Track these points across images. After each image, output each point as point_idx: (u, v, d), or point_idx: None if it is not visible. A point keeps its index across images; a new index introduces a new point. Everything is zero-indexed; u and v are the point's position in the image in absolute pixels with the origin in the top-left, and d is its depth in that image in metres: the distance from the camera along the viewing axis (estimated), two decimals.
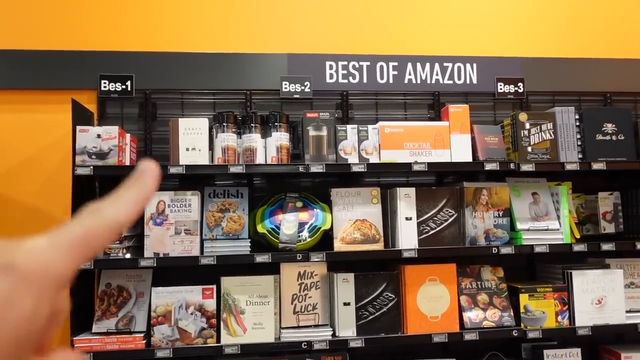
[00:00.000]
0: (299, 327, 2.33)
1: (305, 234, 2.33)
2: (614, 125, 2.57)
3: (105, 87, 2.59)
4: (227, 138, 2.36)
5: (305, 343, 2.28)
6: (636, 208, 2.67)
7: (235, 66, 2.70)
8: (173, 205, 2.29)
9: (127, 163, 2.35)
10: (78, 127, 2.26)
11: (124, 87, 2.60)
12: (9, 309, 0.30)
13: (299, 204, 2.39)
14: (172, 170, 2.25)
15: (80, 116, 2.39)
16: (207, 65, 2.68)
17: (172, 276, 2.47)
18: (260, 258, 2.27)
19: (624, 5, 3.03)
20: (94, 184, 2.51)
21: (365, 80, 2.76)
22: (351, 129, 2.42)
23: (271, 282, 2.33)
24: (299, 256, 2.29)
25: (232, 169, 2.28)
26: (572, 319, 2.47)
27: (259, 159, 2.36)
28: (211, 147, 2.38)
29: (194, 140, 2.34)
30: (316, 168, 2.32)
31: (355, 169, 2.35)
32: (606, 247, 2.48)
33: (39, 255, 0.32)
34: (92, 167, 2.22)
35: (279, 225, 2.32)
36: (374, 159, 2.42)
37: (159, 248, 2.24)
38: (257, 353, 2.31)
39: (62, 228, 0.34)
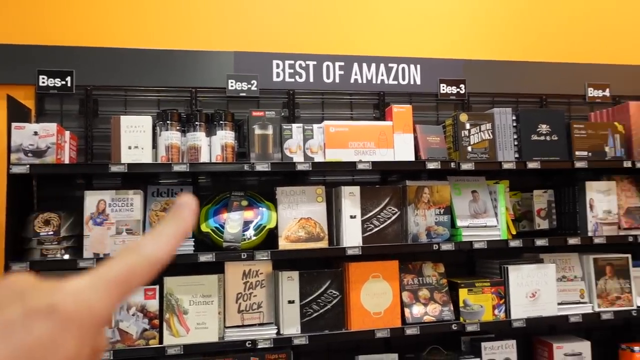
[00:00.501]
0: (243, 326, 2.34)
1: (250, 232, 2.34)
2: (548, 126, 2.69)
3: (43, 82, 2.51)
4: (171, 136, 2.34)
5: (250, 342, 2.29)
6: (568, 205, 2.80)
7: (181, 63, 2.67)
8: (114, 205, 2.24)
9: (66, 161, 2.29)
10: (13, 124, 2.19)
11: (63, 82, 2.53)
12: (52, 352, 0.30)
13: (244, 203, 2.39)
14: (114, 168, 2.21)
15: (17, 113, 2.31)
16: (151, 62, 2.64)
17: None
18: (204, 257, 2.26)
19: (560, 11, 3.16)
20: (31, 183, 2.43)
21: (311, 80, 2.78)
22: (296, 128, 2.43)
23: (215, 281, 2.32)
24: (244, 255, 2.29)
25: (176, 168, 2.26)
26: (508, 312, 2.57)
27: (204, 158, 2.35)
28: (155, 145, 2.35)
29: (136, 138, 2.30)
30: (261, 167, 2.33)
31: (300, 167, 2.37)
32: (540, 242, 2.60)
33: (80, 296, 0.32)
34: (28, 165, 2.15)
35: (224, 224, 2.31)
36: (319, 158, 2.45)
37: (99, 248, 2.20)
38: (201, 353, 2.31)
39: (102, 267, 0.34)
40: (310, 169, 2.37)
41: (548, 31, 3.14)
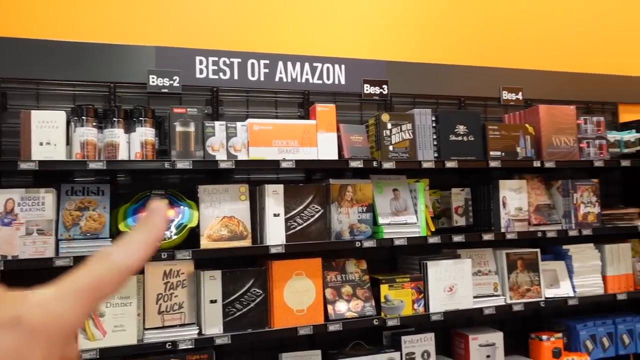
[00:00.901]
0: (164, 327, 2.29)
1: (170, 232, 2.29)
2: (465, 127, 2.80)
3: None
4: (86, 132, 2.25)
5: (170, 343, 2.24)
6: (484, 203, 2.94)
7: (99, 57, 2.57)
8: (24, 204, 2.13)
9: None
10: None
11: None
12: None
13: (165, 202, 2.33)
14: (23, 166, 2.10)
15: None
16: (66, 55, 2.53)
17: (23, 280, 2.30)
18: None
19: (477, 16, 3.30)
20: None
21: (236, 77, 2.76)
22: (219, 126, 2.41)
23: (134, 282, 2.26)
24: (164, 255, 2.24)
25: (92, 165, 2.18)
26: (427, 306, 2.66)
27: (122, 155, 2.27)
28: (69, 142, 2.25)
29: (48, 134, 2.19)
30: (183, 165, 2.28)
31: (223, 165, 2.35)
32: (457, 238, 2.70)
33: (47, 307, 0.31)
34: None
35: None
36: (242, 156, 2.43)
37: (7, 250, 2.08)
38: (119, 356, 2.24)
39: (70, 276, 0.33)
40: (234, 167, 2.36)
41: (466, 35, 3.27)
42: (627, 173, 3.45)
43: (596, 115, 3.15)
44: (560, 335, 2.96)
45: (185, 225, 2.31)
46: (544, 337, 2.92)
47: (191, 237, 2.39)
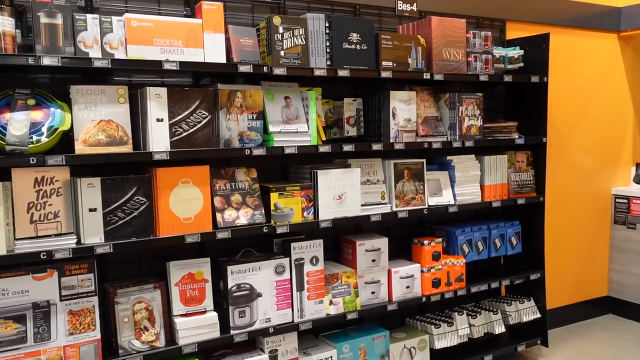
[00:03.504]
0: (38, 237, 2.14)
1: (39, 135, 2.09)
2: (358, 36, 2.76)
3: None
4: None
5: (45, 253, 2.11)
6: (375, 113, 2.96)
7: None
8: None
9: None
10: None
11: None
12: None
13: (31, 102, 2.12)
14: None
15: None
16: None
17: None
18: None
19: None
20: None
21: None
22: (92, 19, 2.18)
23: (0, 189, 2.07)
24: (33, 160, 2.06)
25: None
26: (316, 213, 2.71)
27: None
28: None
29: None
30: (50, 60, 2.06)
31: (97, 64, 2.15)
32: (347, 148, 2.73)
33: None
34: None
35: (6, 125, 2.04)
36: (119, 55, 2.24)
37: None
38: None
39: None
40: (110, 66, 2.17)
41: None
42: (509, 88, 3.63)
43: (485, 30, 3.22)
44: (440, 240, 3.16)
45: (57, 129, 2.12)
46: (426, 242, 3.10)
47: (65, 142, 2.21)
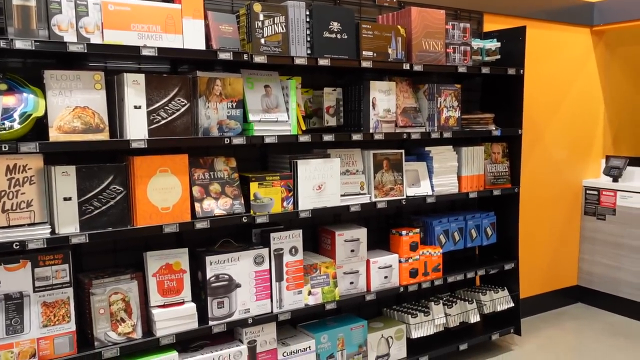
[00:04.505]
0: (10, 227, 2.08)
1: (11, 121, 2.02)
2: (339, 24, 2.74)
3: None
4: None
5: (17, 243, 2.05)
6: (354, 103, 2.96)
7: None
8: None
9: None
10: None
11: None
12: None
13: (3, 87, 2.04)
14: None
15: None
16: None
17: None
18: None
19: None
20: None
21: None
22: (67, 2, 2.11)
23: None
24: (5, 147, 1.99)
25: None
26: (296, 204, 2.69)
27: None
28: None
29: None
30: (23, 44, 1.99)
31: (72, 48, 2.08)
32: (327, 138, 2.72)
33: None
34: None
35: None
36: (96, 40, 2.17)
37: None
38: None
39: None
40: (86, 50, 2.10)
41: None
42: (486, 80, 3.66)
43: (463, 22, 3.24)
44: (417, 230, 3.18)
45: (30, 115, 2.05)
46: (404, 232, 3.12)
47: (39, 129, 2.14)
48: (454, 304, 3.36)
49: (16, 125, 2.02)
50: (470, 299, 3.45)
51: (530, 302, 4.24)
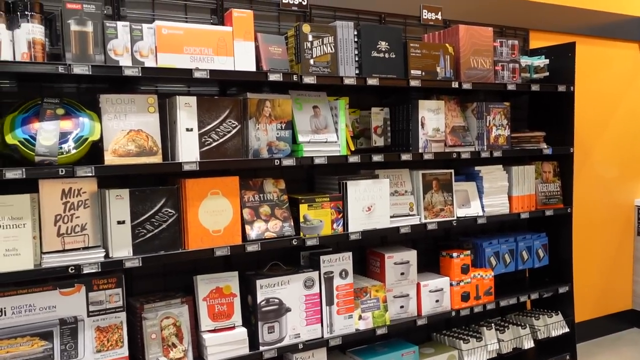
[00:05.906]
0: (64, 250, 2.07)
1: (68, 145, 2.03)
2: (387, 44, 2.71)
3: None
4: None
5: (73, 267, 2.04)
6: (402, 123, 2.91)
7: None
8: None
9: None
10: None
11: None
12: None
13: (60, 111, 2.06)
14: None
15: None
16: None
17: None
18: (11, 174, 1.92)
19: None
20: None
21: None
22: (122, 27, 2.13)
23: (27, 201, 2.00)
24: (62, 171, 2.00)
25: None
26: (345, 225, 2.64)
27: (5, 55, 1.95)
28: None
29: None
30: (80, 69, 2.00)
31: (128, 72, 2.09)
32: (376, 158, 2.67)
33: None
34: None
35: (35, 135, 1.98)
36: (149, 63, 2.18)
37: None
38: (13, 283, 2.01)
39: None
40: (140, 74, 2.11)
41: None
42: (534, 98, 3.57)
43: (510, 39, 3.17)
44: (468, 252, 3.08)
45: (86, 139, 2.06)
46: (454, 254, 3.02)
47: (94, 152, 2.15)
48: (506, 329, 3.23)
49: (73, 150, 2.03)
50: (523, 324, 3.31)
51: (583, 326, 4.06)
